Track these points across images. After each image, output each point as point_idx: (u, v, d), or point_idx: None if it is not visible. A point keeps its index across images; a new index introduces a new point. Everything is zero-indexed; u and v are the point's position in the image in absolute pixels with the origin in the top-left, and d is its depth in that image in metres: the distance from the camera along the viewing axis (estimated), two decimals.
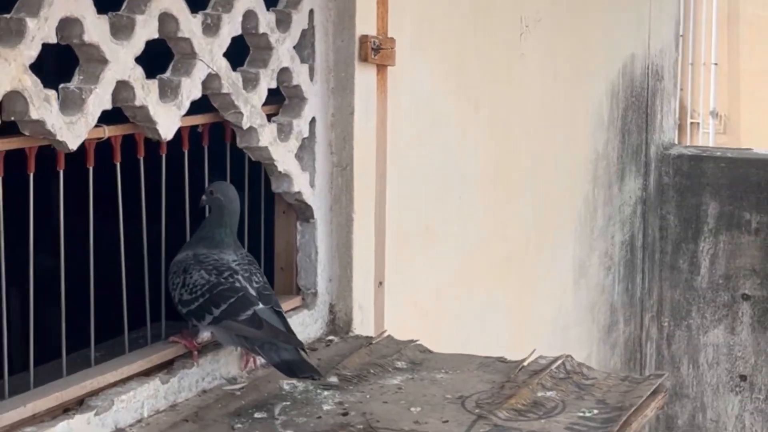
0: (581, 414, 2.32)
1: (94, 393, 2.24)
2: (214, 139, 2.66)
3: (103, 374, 2.26)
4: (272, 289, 2.53)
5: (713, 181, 5.45)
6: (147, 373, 2.37)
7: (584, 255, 4.68)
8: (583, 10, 4.41)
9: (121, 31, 2.20)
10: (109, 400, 2.23)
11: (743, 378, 5.49)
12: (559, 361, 2.63)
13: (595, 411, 2.35)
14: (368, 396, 2.47)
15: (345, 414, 2.35)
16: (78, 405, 2.20)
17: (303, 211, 2.86)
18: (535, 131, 4.07)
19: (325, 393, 2.48)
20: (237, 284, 2.40)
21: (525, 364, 2.65)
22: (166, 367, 2.42)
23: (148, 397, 2.32)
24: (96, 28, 2.12)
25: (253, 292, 2.40)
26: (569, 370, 2.60)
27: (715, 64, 15.03)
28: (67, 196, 2.21)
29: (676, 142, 5.82)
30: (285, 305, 2.77)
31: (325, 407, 2.40)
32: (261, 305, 2.38)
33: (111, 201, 2.35)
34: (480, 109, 3.61)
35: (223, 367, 2.55)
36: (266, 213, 2.92)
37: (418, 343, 2.85)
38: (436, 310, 3.40)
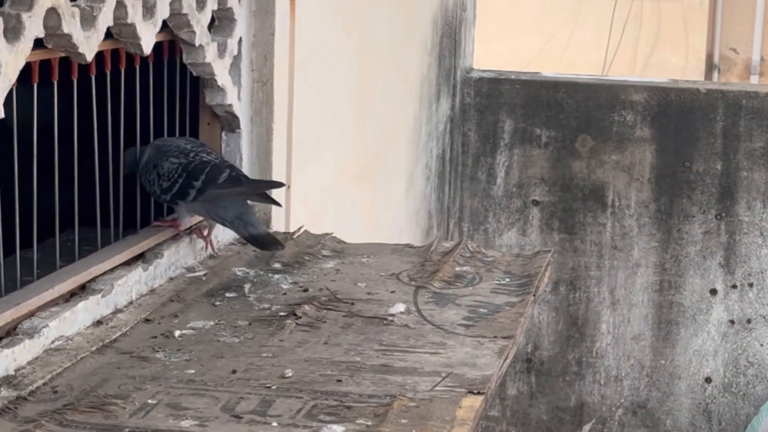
0: (497, 282, 2.87)
1: (93, 279, 2.53)
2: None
3: (102, 262, 2.55)
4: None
5: (509, 101, 6.14)
6: (128, 263, 2.67)
7: (412, 166, 5.23)
8: None
9: None
10: (109, 284, 2.53)
11: None
12: (462, 244, 3.16)
13: (507, 279, 2.89)
14: (315, 277, 2.89)
15: (305, 290, 2.76)
16: (81, 290, 2.49)
17: (230, 122, 3.19)
18: (385, 53, 4.54)
19: (277, 276, 2.88)
20: (205, 158, 2.76)
21: (432, 249, 3.16)
22: (140, 257, 2.73)
23: (135, 282, 2.63)
24: None
25: (219, 163, 2.79)
26: (472, 251, 3.13)
27: None
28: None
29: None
30: None
31: (284, 286, 2.80)
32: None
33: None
34: (351, 35, 4.03)
35: (182, 258, 2.88)
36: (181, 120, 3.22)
37: (333, 235, 3.29)
38: (322, 210, 3.83)
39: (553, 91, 6.09)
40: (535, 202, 6.21)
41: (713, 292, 5.97)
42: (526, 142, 6.16)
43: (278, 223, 3.37)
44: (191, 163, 2.76)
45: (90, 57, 2.36)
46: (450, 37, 5.72)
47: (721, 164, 5.86)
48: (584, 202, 6.14)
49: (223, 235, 3.12)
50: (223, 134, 3.22)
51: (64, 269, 2.52)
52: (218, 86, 3.05)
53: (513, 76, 6.27)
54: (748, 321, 5.95)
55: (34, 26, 2.14)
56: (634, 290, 6.13)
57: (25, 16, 2.10)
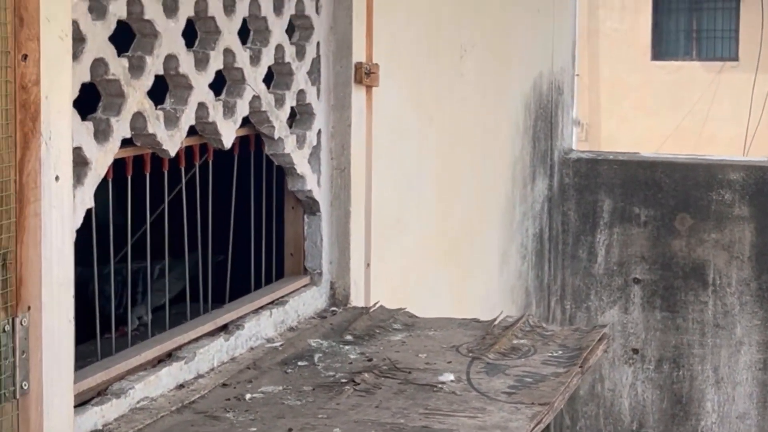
0: (550, 354, 3.06)
1: (178, 348, 2.85)
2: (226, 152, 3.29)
3: (187, 332, 2.88)
4: None
5: (607, 180, 6.31)
6: (212, 334, 2.99)
7: (506, 245, 5.44)
8: (505, 36, 5.18)
9: (199, 63, 2.82)
10: (192, 352, 2.84)
11: (635, 351, 6.36)
12: (524, 319, 3.37)
13: (560, 352, 3.08)
14: (382, 348, 3.15)
15: (370, 360, 3.02)
16: (167, 357, 2.81)
17: (311, 206, 3.51)
18: (471, 138, 4.81)
19: (347, 347, 3.15)
20: None
21: (495, 322, 3.37)
22: (224, 328, 3.05)
23: (216, 351, 2.94)
24: (185, 62, 2.74)
25: None
26: (532, 325, 3.33)
27: (577, 75, 16.26)
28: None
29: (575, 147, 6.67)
30: (295, 284, 3.43)
31: (352, 356, 3.07)
32: None
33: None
34: (433, 123, 4.33)
35: (263, 330, 3.18)
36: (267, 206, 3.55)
37: (406, 310, 3.54)
38: (404, 286, 4.09)
39: (651, 171, 6.23)
40: (636, 280, 6.31)
41: None
42: (626, 221, 6.29)
43: (357, 298, 3.65)
44: None
45: (173, 152, 2.72)
46: (545, 120, 5.95)
47: None
48: (685, 280, 6.21)
49: (303, 309, 3.42)
50: (305, 217, 3.53)
51: (154, 338, 2.85)
52: (298, 174, 3.38)
53: (611, 157, 6.44)
54: None
55: (121, 128, 2.50)
56: (738, 368, 6.13)
57: (113, 120, 2.47)
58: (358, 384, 2.78)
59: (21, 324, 2.06)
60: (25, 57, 2.03)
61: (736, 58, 15.08)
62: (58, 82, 2.16)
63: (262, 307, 3.21)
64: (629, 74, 16.09)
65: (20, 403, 2.07)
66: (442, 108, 4.42)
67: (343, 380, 2.83)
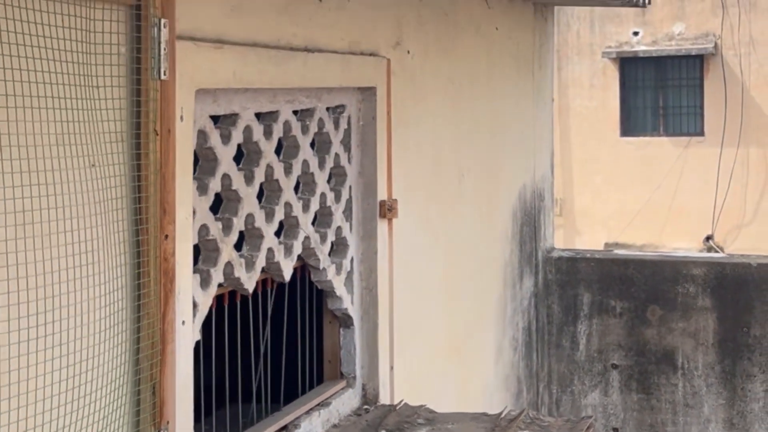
0: None
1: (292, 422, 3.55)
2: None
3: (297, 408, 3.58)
4: None
5: (585, 276, 7.07)
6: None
7: (500, 339, 6.17)
8: (495, 158, 5.97)
9: (267, 216, 3.57)
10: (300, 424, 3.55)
11: (615, 430, 7.07)
12: (525, 412, 4.09)
13: None
14: None
15: None
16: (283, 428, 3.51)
17: (346, 321, 4.23)
18: (469, 249, 5.57)
19: None
20: None
21: (502, 416, 4.09)
22: (284, 428, 3.74)
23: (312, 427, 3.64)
24: (259, 218, 3.49)
25: None
26: (532, 417, 4.05)
27: None
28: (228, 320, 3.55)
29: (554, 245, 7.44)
30: (335, 388, 4.14)
31: None
32: None
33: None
34: (438, 240, 5.09)
35: (314, 429, 3.88)
36: (309, 321, 4.27)
37: (426, 407, 4.25)
38: (418, 382, 4.80)
39: (624, 267, 7.01)
40: (615, 366, 7.04)
41: None
42: (603, 312, 7.05)
43: (385, 397, 4.36)
44: None
45: (251, 289, 3.45)
46: (529, 225, 6.73)
47: None
48: (657, 365, 6.95)
49: (342, 408, 4.12)
50: (341, 330, 4.25)
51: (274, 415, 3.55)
52: (337, 296, 4.11)
53: (588, 255, 7.21)
54: None
55: (217, 276, 3.24)
56: None
57: (212, 270, 3.21)
58: None
59: None
60: (166, 236, 2.76)
61: (701, 134, 15.63)
62: (184, 251, 2.89)
63: (311, 409, 3.91)
64: (600, 150, 16.58)
65: None
66: (445, 227, 5.18)
67: None
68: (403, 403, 4.28)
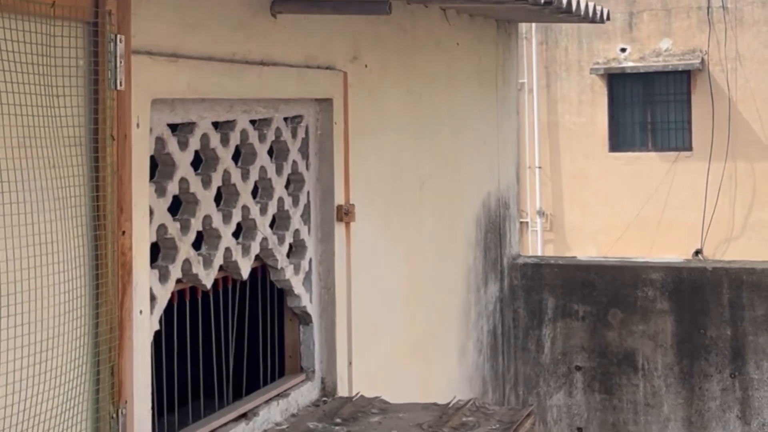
0: (490, 427, 4.04)
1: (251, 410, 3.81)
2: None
3: (217, 419, 3.84)
4: None
5: (550, 281, 7.35)
6: (237, 420, 3.95)
7: (463, 341, 6.44)
8: (457, 165, 6.26)
9: (225, 218, 3.84)
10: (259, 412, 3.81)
11: (579, 429, 7.33)
12: (472, 402, 4.35)
13: (497, 426, 4.07)
14: (363, 428, 4.12)
15: None
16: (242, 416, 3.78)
17: (305, 318, 4.50)
18: (430, 253, 5.84)
19: (337, 428, 4.12)
20: None
21: (450, 405, 4.36)
22: (244, 416, 4.01)
23: (266, 421, 3.90)
24: (216, 219, 3.76)
25: None
26: (478, 406, 4.32)
27: (539, 167, 17.02)
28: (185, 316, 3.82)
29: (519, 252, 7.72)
30: (295, 380, 4.40)
31: None
32: None
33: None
34: (399, 244, 5.36)
35: (272, 416, 4.14)
36: (271, 319, 4.54)
37: (381, 398, 4.51)
38: (379, 378, 5.06)
39: (586, 273, 7.29)
40: (578, 368, 7.31)
41: None
42: (567, 316, 7.32)
43: (343, 390, 4.62)
44: None
45: (209, 285, 3.72)
46: (494, 232, 7.01)
47: (730, 330, 6.91)
48: (619, 366, 7.22)
49: (302, 399, 4.38)
50: (300, 327, 4.52)
51: (193, 425, 3.81)
52: (295, 294, 4.38)
53: (552, 261, 7.50)
54: None
55: (176, 272, 3.51)
56: None
57: (171, 266, 3.48)
58: None
59: (121, 413, 3.03)
60: (123, 233, 3.04)
61: (689, 148, 15.79)
62: (142, 247, 3.17)
63: (271, 399, 4.18)
64: (589, 165, 16.73)
65: None
66: (406, 232, 5.46)
67: None
68: (359, 395, 4.55)
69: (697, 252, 15.27)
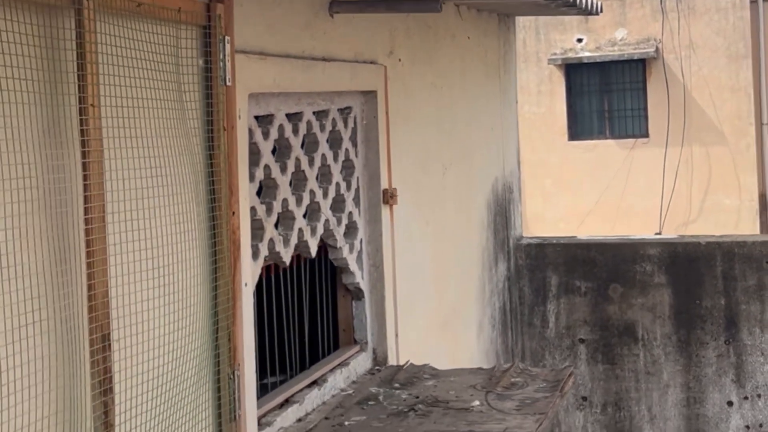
0: (538, 386, 4.45)
1: (293, 395, 4.17)
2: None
3: (297, 384, 4.21)
4: None
5: (552, 260, 7.78)
6: (310, 386, 4.32)
7: (481, 317, 6.85)
8: (471, 152, 6.66)
9: (298, 202, 4.20)
10: (301, 398, 4.17)
11: (584, 399, 7.78)
12: (515, 365, 4.76)
13: (544, 384, 4.48)
14: (422, 390, 4.51)
15: (417, 397, 4.38)
16: (285, 402, 4.14)
17: (357, 294, 4.88)
18: (453, 234, 6.24)
19: (397, 391, 4.50)
20: None
21: (495, 368, 4.76)
22: (314, 383, 4.38)
23: (315, 397, 4.27)
24: (292, 203, 4.12)
25: None
26: (522, 369, 4.72)
27: None
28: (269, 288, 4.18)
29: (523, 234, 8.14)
30: (351, 351, 4.78)
31: (403, 396, 4.42)
32: None
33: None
34: (428, 226, 5.75)
35: (338, 383, 4.52)
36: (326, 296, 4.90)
37: (429, 365, 4.90)
38: (418, 350, 5.45)
39: (587, 250, 7.73)
40: (582, 340, 7.76)
41: (730, 403, 7.40)
42: (570, 292, 7.76)
43: (392, 359, 5.01)
44: None
45: (288, 262, 4.08)
46: (501, 215, 7.43)
47: (724, 300, 7.39)
48: (620, 338, 7.67)
49: (359, 368, 4.76)
50: (353, 302, 4.90)
51: (274, 391, 4.17)
52: (350, 271, 4.75)
53: (554, 241, 7.93)
54: (761, 425, 7.34)
55: (264, 250, 3.87)
56: (667, 407, 7.58)
57: (260, 245, 3.84)
58: (417, 411, 4.13)
59: (236, 374, 3.39)
60: (233, 213, 3.40)
61: (646, 135, 16.15)
62: (244, 226, 3.53)
63: (334, 368, 4.55)
64: (549, 154, 17.02)
65: (236, 424, 3.39)
66: (433, 214, 5.85)
67: (405, 410, 4.18)
68: (409, 363, 4.94)
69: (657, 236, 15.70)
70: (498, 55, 7.37)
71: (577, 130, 16.70)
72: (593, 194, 16.46)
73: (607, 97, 16.31)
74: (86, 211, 2.58)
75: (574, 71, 16.39)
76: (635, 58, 15.83)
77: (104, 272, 2.63)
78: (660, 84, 15.77)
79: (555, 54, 16.28)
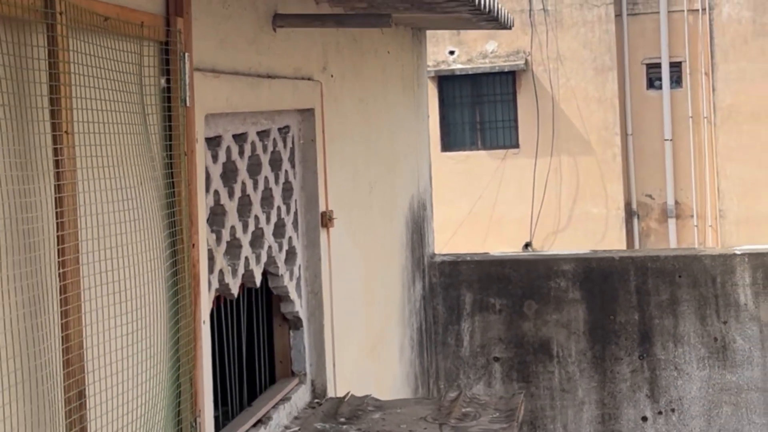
0: (492, 416, 4.29)
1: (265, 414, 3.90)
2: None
3: (240, 427, 3.93)
4: None
5: (467, 278, 7.67)
6: (256, 425, 4.04)
7: (401, 339, 6.67)
8: (393, 170, 6.48)
9: (245, 229, 3.93)
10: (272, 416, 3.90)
11: None
12: (462, 394, 4.59)
13: (497, 414, 4.32)
14: (371, 424, 4.28)
15: None
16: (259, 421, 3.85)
17: (296, 323, 4.62)
18: (378, 254, 6.04)
19: (345, 426, 4.27)
20: None
21: (443, 398, 4.58)
22: (260, 421, 4.11)
23: (277, 425, 4.00)
24: (239, 230, 3.85)
25: None
26: (470, 397, 4.55)
27: None
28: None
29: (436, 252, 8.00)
30: (288, 385, 4.52)
31: None
32: None
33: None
34: (359, 247, 5.54)
35: (282, 420, 4.25)
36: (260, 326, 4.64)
37: (371, 396, 4.68)
38: (350, 378, 5.23)
39: (501, 267, 7.64)
40: (496, 359, 7.66)
41: (644, 419, 7.42)
42: (484, 310, 7.66)
43: (330, 391, 4.77)
44: None
45: (236, 294, 3.81)
46: (417, 232, 7.27)
47: (638, 315, 7.41)
48: (535, 355, 7.61)
49: (299, 402, 4.51)
50: (291, 332, 4.64)
51: (225, 429, 3.88)
52: (290, 299, 4.50)
53: (468, 258, 7.81)
54: None
55: (214, 282, 3.59)
56: (582, 424, 7.56)
57: (211, 277, 3.56)
58: None
59: (198, 421, 3.11)
60: (193, 245, 3.11)
61: (517, 146, 16.35)
62: (203, 257, 3.24)
63: (277, 403, 4.28)
64: None
65: None
66: (362, 234, 5.64)
67: None
68: (350, 394, 4.70)
69: (527, 245, 15.92)
70: (412, 69, 7.22)
71: (450, 141, 16.77)
72: (466, 205, 16.56)
73: (479, 108, 16.43)
74: (60, 252, 2.28)
75: (447, 83, 16.46)
76: (506, 70, 15.99)
77: (79, 321, 2.32)
78: (530, 95, 15.97)
79: (428, 66, 16.27)
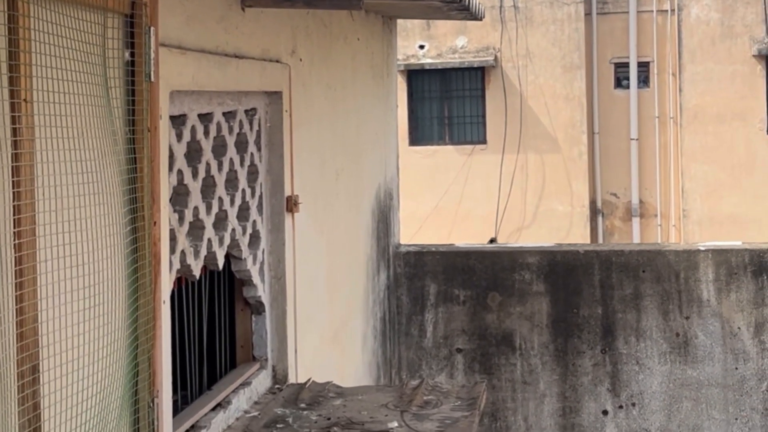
0: (453, 404, 4.27)
1: (200, 419, 3.85)
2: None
3: (199, 410, 3.88)
4: None
5: (431, 268, 7.65)
6: (215, 409, 4.00)
7: (365, 328, 6.64)
8: (360, 158, 6.44)
9: (208, 210, 3.88)
10: (208, 422, 3.85)
11: None
12: (424, 382, 4.56)
13: (459, 402, 4.30)
14: (331, 410, 4.25)
15: (329, 419, 4.12)
16: (191, 427, 3.81)
17: (258, 308, 4.58)
18: (344, 242, 6.00)
19: (305, 412, 4.23)
20: None
21: (404, 385, 4.55)
22: (219, 405, 4.06)
23: (221, 421, 3.95)
24: (202, 211, 3.80)
25: None
26: (432, 386, 4.53)
27: None
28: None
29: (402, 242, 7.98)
30: (252, 369, 4.47)
31: (313, 418, 4.15)
32: None
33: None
34: (323, 233, 5.50)
35: (242, 405, 4.21)
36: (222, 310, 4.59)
37: (333, 382, 4.65)
38: (312, 365, 5.19)
39: (466, 259, 7.63)
40: (459, 350, 7.65)
41: (605, 413, 7.44)
42: (448, 301, 7.64)
43: (291, 377, 4.73)
44: None
45: (197, 275, 3.76)
46: (383, 221, 7.24)
47: (601, 309, 7.43)
48: (498, 347, 7.61)
49: (260, 387, 4.46)
50: (252, 317, 4.59)
51: (183, 413, 3.83)
52: (253, 284, 4.45)
53: (433, 248, 7.80)
54: None
55: (176, 263, 3.53)
56: (543, 416, 7.57)
57: (173, 257, 3.50)
58: None
59: (155, 402, 3.06)
60: (155, 223, 3.06)
61: (484, 142, 16.39)
62: (165, 236, 3.19)
63: (237, 388, 4.24)
64: None
65: None
66: (328, 221, 5.60)
67: None
68: (311, 380, 4.67)
69: (492, 240, 15.97)
70: (382, 57, 7.18)
71: (418, 135, 16.79)
72: (432, 199, 16.57)
73: (447, 103, 16.44)
74: (16, 223, 2.22)
75: (416, 77, 16.46)
76: (475, 66, 16.01)
77: (34, 294, 2.27)
78: (498, 92, 15.99)
79: (398, 60, 16.26)
